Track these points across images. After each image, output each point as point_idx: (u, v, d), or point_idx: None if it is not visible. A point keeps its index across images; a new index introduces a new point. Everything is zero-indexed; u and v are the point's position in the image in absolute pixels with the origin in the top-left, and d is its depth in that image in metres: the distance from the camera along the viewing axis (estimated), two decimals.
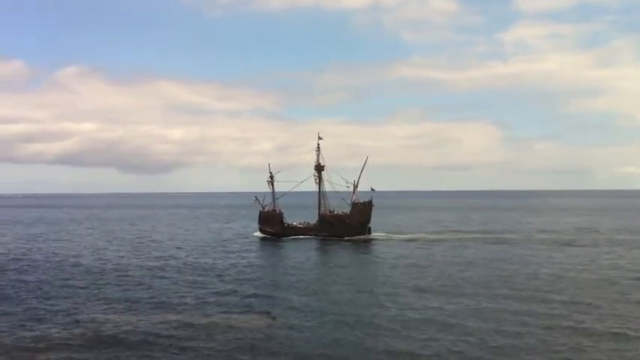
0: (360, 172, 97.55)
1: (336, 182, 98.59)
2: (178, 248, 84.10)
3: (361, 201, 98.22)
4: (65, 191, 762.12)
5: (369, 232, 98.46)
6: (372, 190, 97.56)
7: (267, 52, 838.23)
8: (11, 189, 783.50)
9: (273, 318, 38.89)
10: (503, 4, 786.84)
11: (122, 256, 74.27)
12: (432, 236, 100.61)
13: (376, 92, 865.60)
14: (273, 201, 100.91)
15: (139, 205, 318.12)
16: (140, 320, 38.11)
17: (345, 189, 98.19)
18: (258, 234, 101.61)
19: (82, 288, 50.76)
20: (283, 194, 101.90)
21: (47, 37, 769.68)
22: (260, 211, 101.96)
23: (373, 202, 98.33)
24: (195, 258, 72.18)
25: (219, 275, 58.12)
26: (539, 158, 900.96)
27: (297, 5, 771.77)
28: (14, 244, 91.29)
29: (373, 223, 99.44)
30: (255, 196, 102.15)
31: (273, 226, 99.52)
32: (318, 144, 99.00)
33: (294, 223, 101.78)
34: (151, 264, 66.88)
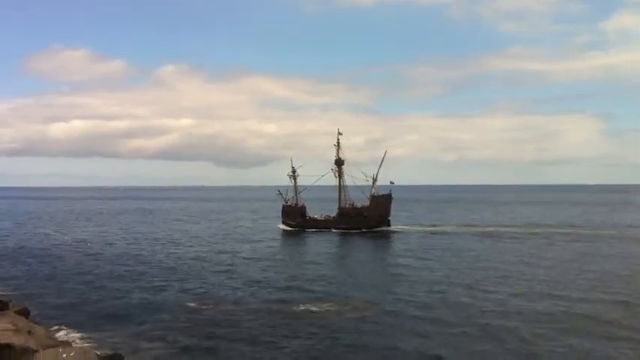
0: (379, 166, 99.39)
1: (356, 176, 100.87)
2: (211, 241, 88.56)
3: (380, 194, 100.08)
4: (163, 184, 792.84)
5: (389, 225, 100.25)
6: (391, 183, 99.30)
7: (360, 47, 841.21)
8: (113, 182, 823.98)
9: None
10: None
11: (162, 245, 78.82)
12: (460, 229, 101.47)
13: (472, 85, 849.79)
14: (296, 195, 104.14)
15: (226, 197, 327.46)
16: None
17: (365, 182, 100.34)
18: (281, 226, 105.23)
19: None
20: (305, 188, 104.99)
21: (147, 37, 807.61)
22: (283, 205, 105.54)
23: (392, 195, 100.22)
24: (212, 248, 76.01)
25: (233, 268, 59.33)
26: None
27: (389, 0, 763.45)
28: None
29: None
30: (279, 190, 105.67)
31: (295, 219, 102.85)
32: (338, 139, 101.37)
33: (315, 216, 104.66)
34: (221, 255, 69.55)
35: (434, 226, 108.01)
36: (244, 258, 65.99)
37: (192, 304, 40.43)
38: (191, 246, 78.57)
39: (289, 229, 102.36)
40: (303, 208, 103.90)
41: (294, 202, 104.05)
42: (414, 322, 35.66)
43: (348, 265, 61.37)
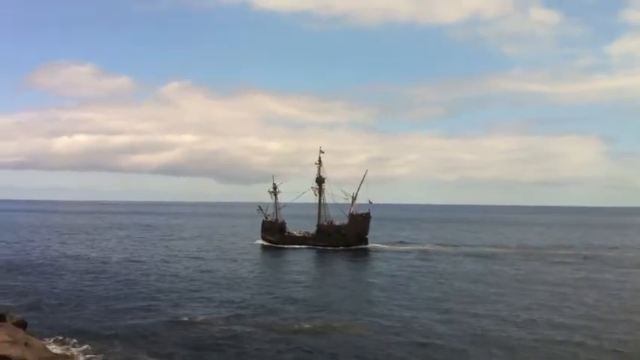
0: (359, 185, 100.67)
1: (337, 194, 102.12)
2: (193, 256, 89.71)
3: (359, 213, 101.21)
4: (165, 199, 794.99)
5: (366, 243, 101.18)
6: (370, 202, 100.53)
7: (363, 66, 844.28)
8: (115, 196, 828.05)
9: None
10: (608, 15, 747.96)
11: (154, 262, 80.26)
12: (434, 248, 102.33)
13: (474, 106, 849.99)
14: (276, 211, 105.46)
15: (223, 213, 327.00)
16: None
17: (345, 201, 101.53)
18: (260, 242, 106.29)
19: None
20: (285, 205, 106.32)
21: (152, 53, 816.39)
22: (263, 221, 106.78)
23: (371, 215, 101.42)
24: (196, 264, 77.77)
25: (216, 282, 60.77)
26: None
27: (393, 20, 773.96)
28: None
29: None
30: (259, 206, 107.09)
31: (274, 234, 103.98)
32: (320, 157, 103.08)
33: (294, 233, 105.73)
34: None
35: (409, 244, 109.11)
36: (225, 276, 65.97)
37: (182, 320, 41.13)
38: (181, 261, 78.68)
39: (268, 244, 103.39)
40: (283, 224, 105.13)
41: (274, 218, 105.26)
42: (394, 342, 36.28)
43: (325, 284, 62.05)
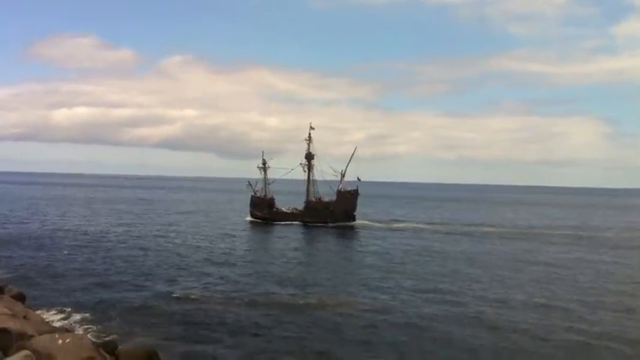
0: (347, 162, 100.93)
1: (326, 171, 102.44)
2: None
3: (347, 189, 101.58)
4: (165, 174, 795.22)
5: (354, 220, 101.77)
6: (359, 179, 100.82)
7: (367, 43, 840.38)
8: (116, 170, 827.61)
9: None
10: None
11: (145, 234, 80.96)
12: (426, 226, 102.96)
13: (477, 85, 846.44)
14: (265, 187, 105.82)
15: (222, 189, 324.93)
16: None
17: (334, 178, 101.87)
18: (248, 217, 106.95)
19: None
20: (274, 181, 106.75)
21: (155, 26, 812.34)
22: (251, 196, 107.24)
23: (359, 191, 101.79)
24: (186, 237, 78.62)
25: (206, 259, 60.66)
26: None
27: None
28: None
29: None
30: (248, 181, 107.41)
31: (262, 210, 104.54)
32: (310, 133, 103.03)
33: (283, 209, 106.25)
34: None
35: (400, 222, 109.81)
36: (217, 252, 65.88)
37: (175, 296, 41.23)
38: (177, 237, 78.63)
39: (257, 220, 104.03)
40: (272, 200, 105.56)
41: (263, 194, 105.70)
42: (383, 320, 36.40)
43: (312, 261, 62.13)
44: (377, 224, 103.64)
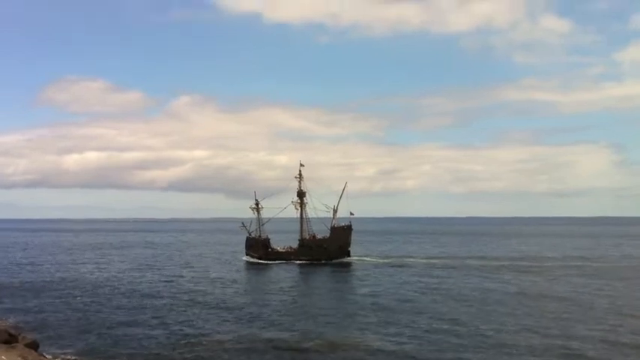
0: (339, 198, 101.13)
1: (318, 207, 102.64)
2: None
3: (340, 225, 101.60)
4: (175, 216, 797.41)
5: (349, 255, 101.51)
6: (351, 214, 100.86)
7: (371, 77, 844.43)
8: (126, 214, 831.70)
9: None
10: (619, 23, 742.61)
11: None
12: (425, 261, 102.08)
13: (484, 116, 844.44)
14: (259, 227, 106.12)
15: (229, 229, 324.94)
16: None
17: (327, 214, 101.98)
18: (245, 258, 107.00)
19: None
20: (268, 220, 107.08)
21: (162, 68, 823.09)
22: (247, 237, 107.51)
23: (352, 227, 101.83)
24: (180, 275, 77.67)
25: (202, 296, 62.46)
26: None
27: (403, 30, 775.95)
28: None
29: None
30: (242, 223, 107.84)
31: (257, 251, 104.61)
32: (300, 171, 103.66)
33: (278, 248, 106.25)
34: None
35: (393, 257, 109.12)
36: (223, 297, 65.07)
37: (186, 342, 41.17)
38: (185, 281, 77.93)
39: (253, 260, 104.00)
40: (267, 240, 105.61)
41: (258, 235, 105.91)
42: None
43: (307, 301, 61.51)
44: (372, 260, 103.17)
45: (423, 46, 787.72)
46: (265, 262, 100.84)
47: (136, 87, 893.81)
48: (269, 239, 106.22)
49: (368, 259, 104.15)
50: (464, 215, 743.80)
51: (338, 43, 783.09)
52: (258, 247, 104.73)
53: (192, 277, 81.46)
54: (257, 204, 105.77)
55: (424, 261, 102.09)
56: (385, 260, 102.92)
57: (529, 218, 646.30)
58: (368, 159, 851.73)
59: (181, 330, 45.10)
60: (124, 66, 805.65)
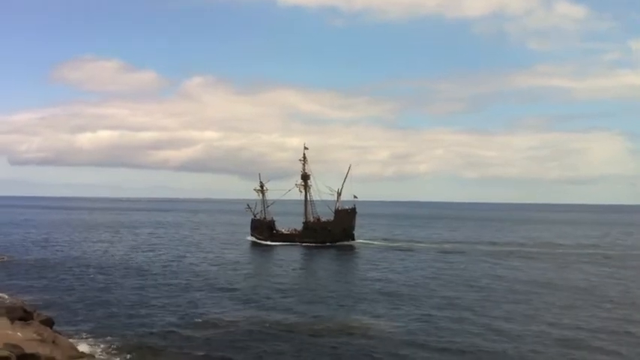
0: (343, 181, 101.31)
1: (323, 190, 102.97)
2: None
3: (344, 208, 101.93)
4: (188, 196, 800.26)
5: (353, 238, 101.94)
6: (355, 197, 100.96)
7: (386, 61, 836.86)
8: (138, 193, 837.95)
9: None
10: (635, 9, 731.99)
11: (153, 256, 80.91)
12: (431, 246, 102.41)
13: (497, 101, 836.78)
14: (264, 209, 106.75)
15: (241, 210, 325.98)
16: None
17: (330, 197, 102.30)
18: (249, 238, 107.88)
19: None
20: (273, 202, 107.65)
21: (176, 48, 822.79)
22: (252, 219, 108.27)
23: (356, 210, 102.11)
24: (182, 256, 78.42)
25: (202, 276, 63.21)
26: None
27: (418, 14, 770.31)
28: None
29: None
30: (247, 205, 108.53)
31: (262, 232, 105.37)
32: (304, 154, 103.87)
33: (282, 230, 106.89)
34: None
35: (400, 242, 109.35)
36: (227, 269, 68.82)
37: (199, 321, 41.51)
38: (195, 260, 78.74)
39: (257, 241, 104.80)
40: (272, 222, 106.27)
41: (263, 217, 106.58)
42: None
43: (316, 283, 61.79)
44: (378, 243, 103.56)
45: (437, 31, 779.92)
46: (270, 243, 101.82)
47: (149, 67, 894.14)
48: (274, 221, 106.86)
49: (375, 242, 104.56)
50: (476, 200, 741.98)
51: (352, 26, 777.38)
52: (263, 228, 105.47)
53: (203, 258, 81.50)
54: (262, 186, 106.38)
55: (433, 245, 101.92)
56: (391, 244, 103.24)
57: (541, 205, 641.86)
58: (381, 142, 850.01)
59: (192, 311, 45.02)
60: (137, 46, 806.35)
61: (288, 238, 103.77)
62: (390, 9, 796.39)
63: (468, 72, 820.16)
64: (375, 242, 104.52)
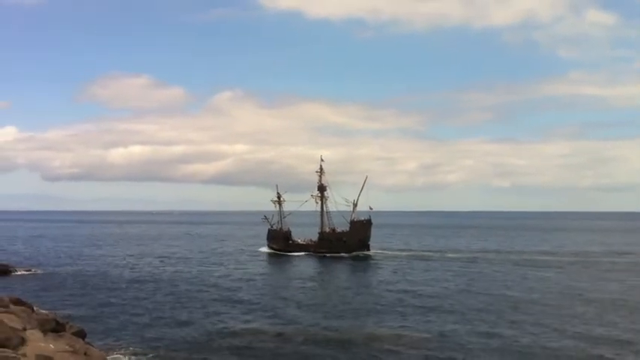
0: (359, 192, 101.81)
1: (339, 202, 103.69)
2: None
3: (360, 219, 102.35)
4: (217, 208, 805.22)
5: (368, 249, 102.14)
6: (370, 209, 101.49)
7: (413, 73, 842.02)
8: (169, 206, 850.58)
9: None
10: None
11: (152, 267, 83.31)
12: (452, 255, 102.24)
13: (527, 110, 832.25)
14: (280, 220, 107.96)
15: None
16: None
17: (347, 208, 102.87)
18: (265, 249, 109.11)
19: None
20: (290, 213, 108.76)
21: (204, 64, 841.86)
22: (268, 229, 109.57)
23: (372, 221, 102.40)
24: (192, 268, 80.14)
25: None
26: None
27: (444, 24, 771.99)
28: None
29: None
30: (264, 215, 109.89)
31: (278, 242, 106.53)
32: (321, 165, 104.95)
33: (298, 240, 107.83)
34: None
35: (417, 251, 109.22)
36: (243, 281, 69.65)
37: (228, 331, 42.26)
38: (220, 270, 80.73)
39: (273, 252, 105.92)
40: (288, 232, 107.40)
41: (279, 227, 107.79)
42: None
43: (325, 292, 62.49)
44: (391, 253, 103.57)
45: (463, 41, 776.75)
46: (286, 253, 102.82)
47: (178, 83, 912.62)
48: (290, 232, 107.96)
49: (389, 252, 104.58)
50: (507, 209, 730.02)
51: (378, 37, 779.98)
52: (279, 239, 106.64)
53: (228, 270, 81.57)
54: (279, 197, 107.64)
55: (458, 255, 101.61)
56: (409, 253, 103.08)
57: (574, 213, 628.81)
58: (408, 153, 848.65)
59: (220, 324, 44.83)
60: (166, 62, 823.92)
61: (304, 248, 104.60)
62: (417, 19, 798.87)
63: (496, 81, 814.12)
64: (391, 252, 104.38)
